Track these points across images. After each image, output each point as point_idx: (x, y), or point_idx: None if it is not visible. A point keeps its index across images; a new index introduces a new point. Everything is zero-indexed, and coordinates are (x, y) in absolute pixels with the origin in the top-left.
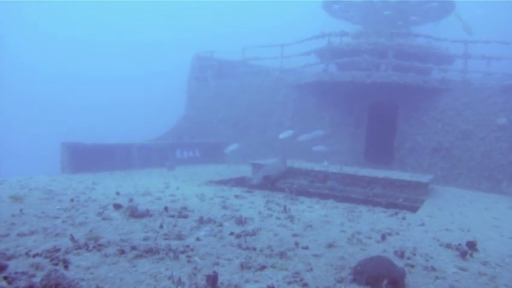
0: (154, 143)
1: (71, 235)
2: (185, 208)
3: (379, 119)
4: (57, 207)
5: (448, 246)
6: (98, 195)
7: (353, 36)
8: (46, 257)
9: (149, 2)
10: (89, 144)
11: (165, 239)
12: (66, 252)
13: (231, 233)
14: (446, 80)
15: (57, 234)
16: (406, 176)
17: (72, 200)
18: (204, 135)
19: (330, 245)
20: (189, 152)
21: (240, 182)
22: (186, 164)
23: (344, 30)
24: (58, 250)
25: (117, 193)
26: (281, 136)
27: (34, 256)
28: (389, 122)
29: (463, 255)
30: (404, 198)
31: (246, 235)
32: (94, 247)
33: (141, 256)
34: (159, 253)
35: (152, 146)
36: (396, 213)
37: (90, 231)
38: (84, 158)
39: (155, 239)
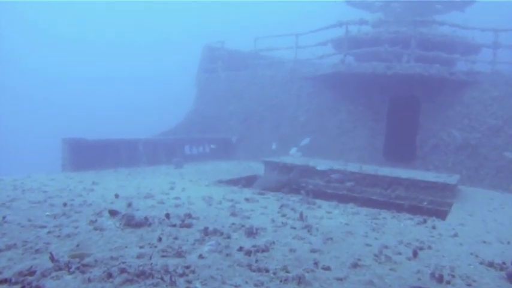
0: (162, 139)
1: (50, 253)
2: (189, 215)
3: (400, 113)
4: (47, 213)
5: (490, 264)
6: (95, 197)
7: (373, 24)
8: (16, 283)
9: (153, 2)
10: (91, 140)
11: (163, 256)
12: (43, 276)
13: (240, 249)
14: (473, 72)
15: (37, 250)
16: (431, 177)
17: (65, 204)
18: (213, 130)
19: (355, 265)
20: (198, 147)
21: (251, 181)
22: (195, 161)
23: (363, 18)
24: (33, 273)
25: (116, 196)
26: (273, 147)
27: (1, 282)
28: (411, 117)
29: (511, 278)
30: (430, 201)
31: (257, 251)
32: (77, 268)
33: (131, 281)
34: (153, 277)
35: (159, 142)
36: (425, 221)
37: (77, 245)
38: (86, 154)
39: (150, 257)
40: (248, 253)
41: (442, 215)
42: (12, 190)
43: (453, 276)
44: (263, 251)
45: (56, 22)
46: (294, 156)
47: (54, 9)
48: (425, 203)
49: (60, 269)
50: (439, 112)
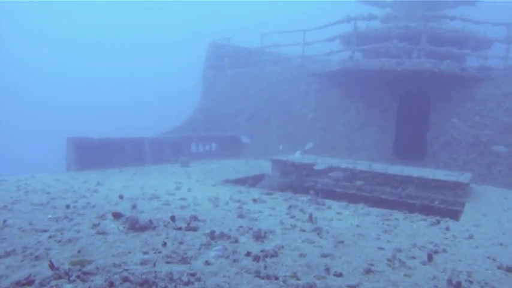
0: (168, 137)
1: (50, 261)
2: (195, 217)
3: (410, 110)
4: (49, 216)
5: (509, 269)
6: (99, 199)
7: (382, 20)
8: None
9: (153, 2)
10: (96, 139)
11: (167, 262)
12: (42, 285)
13: (248, 254)
14: (485, 68)
15: (37, 257)
16: (442, 175)
17: (67, 206)
18: (220, 128)
19: (368, 271)
20: (204, 145)
21: (259, 180)
22: (201, 159)
23: (372, 13)
24: (31, 282)
25: (121, 197)
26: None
27: None
28: (422, 114)
29: None
30: (441, 201)
31: (266, 256)
32: (78, 276)
33: None
34: (156, 286)
35: (165, 140)
36: (438, 222)
37: (79, 251)
38: (91, 154)
39: (154, 263)
40: (256, 259)
41: (454, 214)
42: (15, 191)
43: (471, 282)
44: (272, 256)
45: (56, 22)
46: None
47: (55, 9)
48: (436, 202)
49: (60, 278)
50: (450, 109)
